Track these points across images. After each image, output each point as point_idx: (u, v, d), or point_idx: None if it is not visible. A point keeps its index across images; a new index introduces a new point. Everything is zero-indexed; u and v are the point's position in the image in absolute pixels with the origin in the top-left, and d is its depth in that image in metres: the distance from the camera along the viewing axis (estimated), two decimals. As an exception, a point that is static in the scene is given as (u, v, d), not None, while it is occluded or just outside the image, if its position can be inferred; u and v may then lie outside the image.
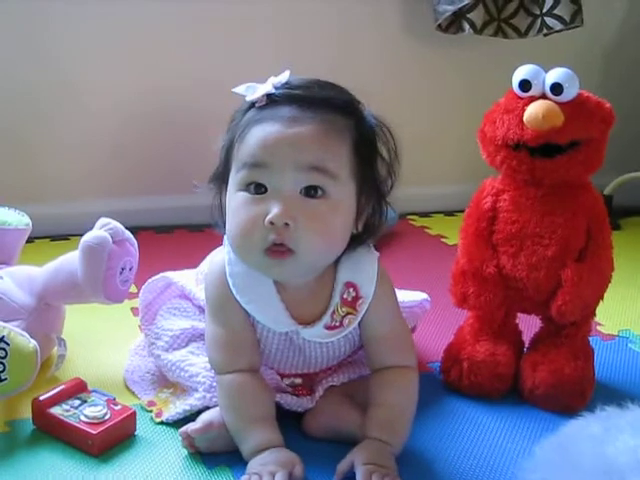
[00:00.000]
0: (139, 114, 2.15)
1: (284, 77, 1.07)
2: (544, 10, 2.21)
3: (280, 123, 1.03)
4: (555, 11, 2.18)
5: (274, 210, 1.02)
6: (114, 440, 1.12)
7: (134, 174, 2.18)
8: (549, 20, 2.21)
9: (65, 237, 2.01)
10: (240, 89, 1.09)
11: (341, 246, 1.10)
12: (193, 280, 1.34)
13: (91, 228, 1.31)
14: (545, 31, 2.22)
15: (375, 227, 1.14)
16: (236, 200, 1.06)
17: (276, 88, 1.06)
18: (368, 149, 1.09)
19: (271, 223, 1.01)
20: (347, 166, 1.06)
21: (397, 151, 1.12)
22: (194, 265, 1.38)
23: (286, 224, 1.01)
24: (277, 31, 2.22)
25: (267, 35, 2.21)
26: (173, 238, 2.12)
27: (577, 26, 2.20)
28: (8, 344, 1.12)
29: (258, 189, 1.04)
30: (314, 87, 1.07)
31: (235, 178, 1.07)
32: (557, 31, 2.22)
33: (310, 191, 1.03)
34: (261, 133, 1.04)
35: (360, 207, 1.10)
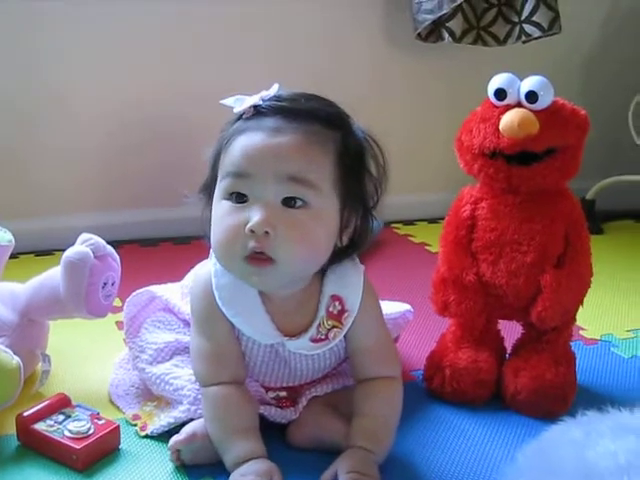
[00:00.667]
0: (123, 126, 2.15)
1: (273, 90, 1.08)
2: (522, 18, 2.23)
3: (263, 133, 1.04)
4: (533, 18, 2.20)
5: (254, 218, 1.02)
6: (98, 454, 1.13)
7: (119, 187, 2.18)
8: (527, 27, 2.22)
9: (49, 252, 2.01)
10: (228, 101, 1.10)
11: (323, 257, 1.10)
12: (178, 294, 1.35)
13: (75, 243, 1.32)
14: (524, 38, 2.24)
15: (361, 241, 1.14)
16: (220, 209, 1.07)
17: (263, 100, 1.07)
18: (353, 162, 1.09)
19: (251, 231, 1.02)
20: (329, 178, 1.06)
21: (385, 166, 1.12)
22: (179, 278, 1.38)
23: (266, 232, 1.02)
24: (264, 39, 2.23)
25: (254, 45, 2.21)
26: (158, 251, 2.12)
27: (555, 33, 2.22)
28: (-9, 361, 1.12)
29: (240, 198, 1.05)
30: (301, 99, 1.08)
31: (219, 187, 1.08)
32: (535, 38, 2.24)
33: (290, 201, 1.04)
34: (244, 143, 1.05)
35: (344, 220, 1.10)
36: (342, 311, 1.15)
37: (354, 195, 1.10)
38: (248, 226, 1.02)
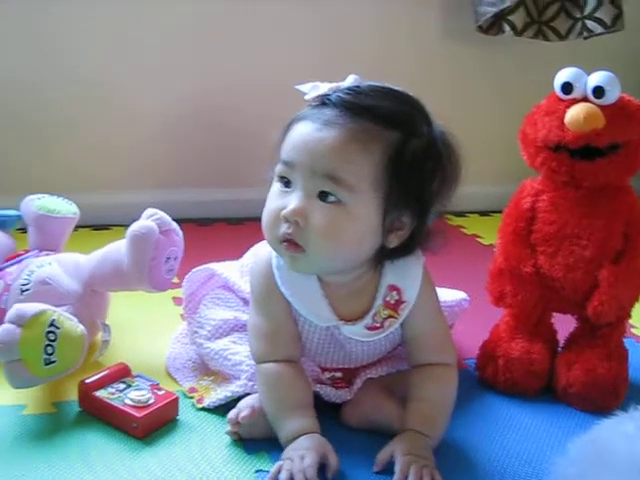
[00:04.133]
0: (187, 110, 2.19)
1: (348, 81, 1.10)
2: (585, 13, 2.22)
3: (314, 125, 1.06)
4: (596, 14, 2.19)
5: (289, 206, 1.06)
6: (158, 423, 1.16)
7: (177, 167, 2.22)
8: (590, 23, 2.21)
9: (106, 227, 2.06)
10: (305, 87, 1.11)
11: (354, 254, 1.11)
12: (237, 272, 1.37)
13: (132, 218, 1.35)
14: (585, 34, 2.23)
15: (416, 242, 1.14)
16: (272, 190, 1.11)
17: (333, 91, 1.08)
18: (411, 164, 1.07)
19: (285, 217, 1.05)
20: (369, 179, 1.06)
21: (457, 172, 1.12)
22: (233, 257, 1.41)
23: (296, 222, 1.05)
24: (321, 36, 2.25)
25: (309, 39, 2.24)
26: (213, 230, 2.15)
27: (617, 30, 2.20)
28: (58, 328, 1.16)
29: (287, 184, 1.08)
30: (368, 94, 1.08)
31: (275, 169, 1.11)
32: (598, 34, 2.23)
33: (324, 196, 1.06)
34: (297, 131, 1.08)
35: (387, 222, 1.09)
36: (399, 301, 1.17)
37: (406, 197, 1.08)
38: (282, 212, 1.06)
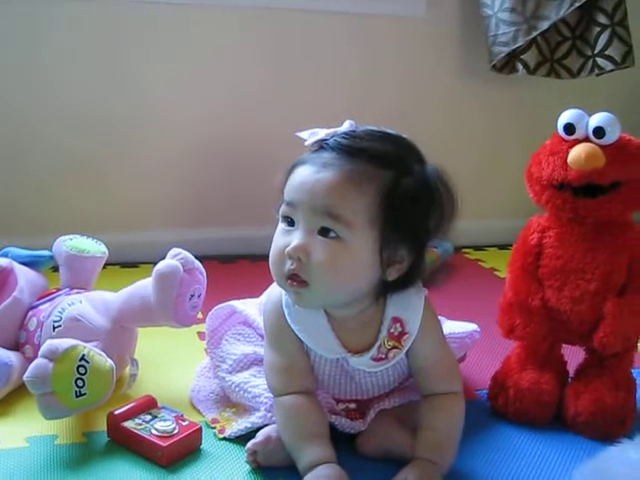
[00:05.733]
0: (210, 153, 2.27)
1: (344, 126, 1.17)
2: (596, 51, 2.27)
3: (313, 168, 1.13)
4: (607, 52, 2.24)
5: (292, 244, 1.13)
6: (181, 453, 1.22)
7: (200, 205, 2.30)
8: (600, 61, 2.27)
9: (134, 264, 2.13)
10: (304, 134, 1.19)
11: (353, 286, 1.16)
12: (256, 309, 1.44)
13: (158, 257, 1.42)
14: (597, 71, 2.29)
15: (415, 276, 1.19)
16: (277, 229, 1.18)
17: (331, 136, 1.15)
18: (405, 202, 1.12)
19: (288, 254, 1.12)
20: (365, 216, 1.12)
21: (452, 207, 1.16)
22: (256, 294, 1.47)
23: (299, 258, 1.12)
24: (342, 70, 2.33)
25: (332, 76, 2.32)
26: (236, 267, 2.22)
27: (628, 66, 2.25)
28: (88, 362, 1.22)
29: (290, 223, 1.15)
30: (363, 138, 1.15)
31: (280, 210, 1.17)
32: (608, 71, 2.28)
33: (325, 232, 1.12)
34: (298, 173, 1.15)
35: (385, 256, 1.14)
36: (402, 333, 1.22)
37: (401, 233, 1.14)
38: (286, 250, 1.13)
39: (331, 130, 1.17)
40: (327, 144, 1.15)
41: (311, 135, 1.17)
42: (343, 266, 1.12)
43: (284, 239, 1.15)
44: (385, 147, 1.15)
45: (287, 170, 1.18)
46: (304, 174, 1.14)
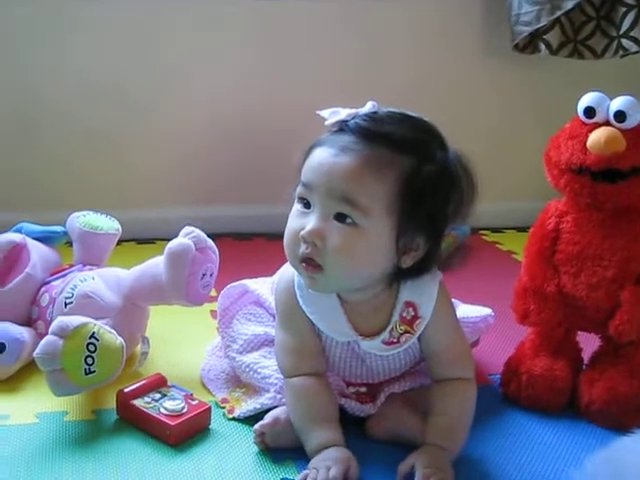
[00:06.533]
0: (226, 129, 2.25)
1: (366, 108, 1.15)
2: (621, 32, 2.23)
3: (332, 150, 1.11)
4: (632, 33, 2.20)
5: (307, 227, 1.11)
6: (190, 432, 1.22)
7: (216, 182, 2.28)
8: (625, 42, 2.22)
9: (150, 241, 2.12)
10: (324, 112, 1.16)
11: (368, 273, 1.15)
12: (268, 289, 1.43)
13: (175, 233, 1.41)
14: (621, 53, 2.24)
15: (430, 263, 1.17)
16: (292, 210, 1.16)
17: (352, 117, 1.13)
18: (425, 189, 1.10)
19: (303, 238, 1.11)
20: (382, 203, 1.10)
21: (472, 195, 1.15)
22: (271, 272, 1.45)
23: (314, 243, 1.10)
24: (359, 48, 2.30)
25: (349, 54, 2.29)
26: (251, 245, 2.21)
27: (654, 48, 2.21)
28: (98, 340, 1.22)
29: (306, 205, 1.14)
30: (384, 121, 1.12)
31: (296, 190, 1.16)
32: (633, 53, 2.24)
33: (341, 217, 1.10)
34: (316, 155, 1.13)
35: (401, 243, 1.12)
36: (415, 317, 1.21)
37: (419, 220, 1.12)
38: (301, 233, 1.11)
39: (352, 111, 1.14)
40: (347, 126, 1.12)
41: (332, 114, 1.15)
42: (359, 252, 1.11)
43: (299, 221, 1.13)
44: (406, 131, 1.13)
45: (305, 150, 1.16)
46: (322, 156, 1.12)
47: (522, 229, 2.41)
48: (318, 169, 1.12)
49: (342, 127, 1.13)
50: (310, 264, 1.12)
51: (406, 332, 1.21)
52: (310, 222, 1.11)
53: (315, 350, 1.23)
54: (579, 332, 1.44)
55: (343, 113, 1.14)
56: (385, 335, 1.21)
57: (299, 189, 1.14)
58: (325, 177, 1.10)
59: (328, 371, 1.26)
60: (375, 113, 1.14)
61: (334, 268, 1.11)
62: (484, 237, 2.40)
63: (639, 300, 1.30)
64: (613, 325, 1.31)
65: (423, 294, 1.20)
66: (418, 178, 1.10)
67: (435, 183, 1.11)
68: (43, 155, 2.15)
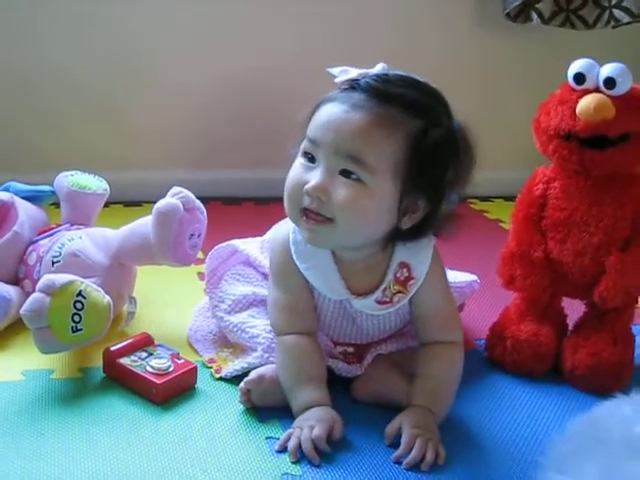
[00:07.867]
0: (217, 92, 2.24)
1: (376, 68, 1.14)
2: (612, 2, 2.22)
3: (342, 107, 1.10)
4: (623, 3, 2.20)
5: (312, 181, 1.11)
6: (176, 390, 1.22)
7: (206, 145, 2.27)
8: (617, 12, 2.22)
9: (138, 203, 2.12)
10: (335, 70, 1.16)
11: (371, 230, 1.15)
12: (258, 248, 1.43)
13: (162, 196, 1.40)
14: (613, 23, 2.24)
15: (428, 226, 1.18)
16: (295, 164, 1.16)
17: (362, 77, 1.13)
18: (430, 153, 1.11)
19: (307, 192, 1.11)
20: (389, 163, 1.10)
21: (472, 165, 1.16)
22: (259, 235, 1.46)
23: (319, 198, 1.10)
24: (351, 24, 2.29)
25: (335, 21, 2.27)
26: (240, 209, 2.21)
27: (644, 19, 2.21)
28: (85, 298, 1.22)
29: (311, 159, 1.13)
30: (395, 83, 1.12)
31: (301, 145, 1.15)
32: (625, 24, 2.23)
33: (346, 174, 1.10)
34: (325, 111, 1.12)
35: (404, 205, 1.13)
36: (409, 278, 1.21)
37: (423, 183, 1.12)
38: (306, 187, 1.11)
39: (363, 70, 1.14)
40: (358, 84, 1.12)
41: (342, 73, 1.14)
42: (363, 208, 1.11)
43: (303, 175, 1.13)
44: (417, 95, 1.12)
45: (313, 106, 1.16)
46: (331, 112, 1.11)
47: (510, 198, 2.41)
48: (327, 125, 1.11)
49: (353, 85, 1.12)
50: (312, 217, 1.12)
51: (399, 292, 1.22)
52: (315, 177, 1.11)
53: (308, 308, 1.24)
54: (564, 298, 1.45)
55: (353, 72, 1.14)
56: (378, 294, 1.21)
57: (304, 144, 1.14)
58: (333, 134, 1.10)
59: (318, 330, 1.26)
60: (386, 74, 1.13)
61: (344, 220, 1.11)
62: (472, 205, 2.41)
63: (624, 266, 1.31)
64: (598, 291, 1.32)
65: (417, 256, 1.21)
66: (425, 141, 1.11)
67: (441, 148, 1.12)
68: (32, 113, 2.13)
